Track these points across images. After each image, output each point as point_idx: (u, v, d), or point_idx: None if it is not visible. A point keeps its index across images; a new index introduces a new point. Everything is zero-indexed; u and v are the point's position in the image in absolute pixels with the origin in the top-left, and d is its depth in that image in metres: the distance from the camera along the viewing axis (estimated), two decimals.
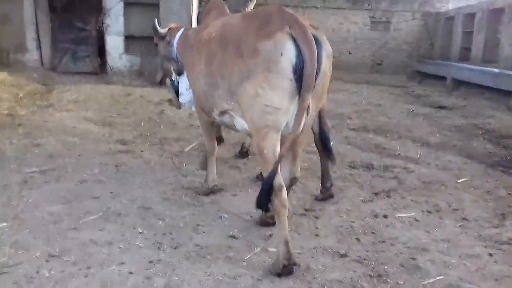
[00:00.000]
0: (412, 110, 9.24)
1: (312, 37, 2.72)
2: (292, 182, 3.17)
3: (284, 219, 2.83)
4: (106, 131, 6.15)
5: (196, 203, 3.88)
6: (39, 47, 11.21)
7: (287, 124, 2.85)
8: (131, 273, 2.72)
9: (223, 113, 3.28)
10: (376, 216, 3.79)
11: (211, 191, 4.09)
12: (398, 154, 5.84)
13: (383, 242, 3.33)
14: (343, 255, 3.09)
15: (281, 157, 2.76)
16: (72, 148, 5.17)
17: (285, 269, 2.79)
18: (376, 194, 4.32)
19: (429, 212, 3.93)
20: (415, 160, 5.60)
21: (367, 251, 3.18)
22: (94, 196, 3.84)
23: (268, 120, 2.77)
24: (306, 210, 3.84)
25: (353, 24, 16.92)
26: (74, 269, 2.74)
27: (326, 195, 4.13)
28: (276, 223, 2.91)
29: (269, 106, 2.73)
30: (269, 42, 2.71)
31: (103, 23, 11.10)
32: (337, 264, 2.98)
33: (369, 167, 5.19)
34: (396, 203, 4.10)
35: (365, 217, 3.75)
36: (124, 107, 7.73)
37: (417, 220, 3.74)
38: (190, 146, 5.69)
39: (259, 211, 3.48)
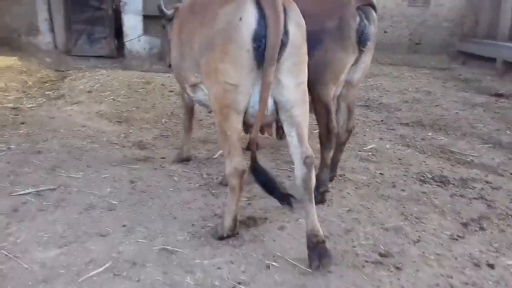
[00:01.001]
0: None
1: (280, 3, 2.46)
2: (307, 164, 2.74)
3: (238, 198, 2.89)
4: (122, 130, 5.25)
5: (233, 242, 2.95)
6: (52, 28, 10.34)
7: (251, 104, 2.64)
8: None
9: (194, 87, 3.05)
10: (478, 265, 2.79)
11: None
12: (471, 160, 4.79)
13: None
14: None
15: (254, 140, 2.66)
16: (80, 156, 4.28)
17: (227, 238, 2.92)
18: (465, 225, 3.32)
19: None
20: (494, 169, 4.54)
21: None
22: (101, 232, 2.93)
23: (228, 99, 2.58)
24: (381, 255, 2.86)
25: None
26: None
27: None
28: (229, 197, 2.88)
29: (228, 83, 2.54)
30: (229, 5, 2.50)
31: (120, 1, 10.17)
32: None
33: (442, 181, 4.16)
34: (496, 241, 3.10)
35: (464, 268, 2.75)
36: (142, 99, 6.81)
37: None
38: (220, 151, 4.74)
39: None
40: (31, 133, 4.87)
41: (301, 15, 2.66)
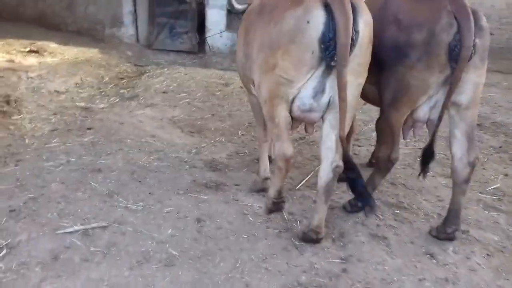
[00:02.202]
0: None
1: (349, 3, 2.46)
2: (334, 172, 2.82)
3: (284, 177, 2.92)
4: (194, 144, 4.62)
5: None
6: (135, 21, 10.06)
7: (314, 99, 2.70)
8: None
9: None
10: None
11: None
12: None
13: None
14: None
15: (343, 138, 2.66)
16: (143, 178, 3.68)
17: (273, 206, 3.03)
18: None
19: None
20: None
21: None
22: None
23: (280, 91, 2.68)
24: None
25: None
26: None
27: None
28: (276, 174, 2.94)
29: (283, 78, 2.63)
30: (297, 8, 2.53)
31: None
32: None
33: None
34: None
35: None
36: (219, 104, 6.16)
37: None
38: (305, 180, 3.95)
39: None
40: (96, 142, 4.37)
41: (369, 14, 2.66)
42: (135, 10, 9.98)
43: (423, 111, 3.04)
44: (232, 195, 3.55)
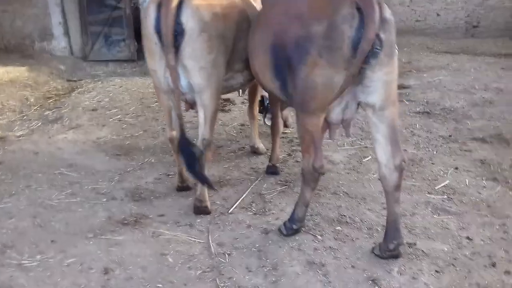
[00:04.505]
0: None
1: (171, 2, 2.90)
2: (203, 144, 3.28)
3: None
4: (118, 169, 4.14)
5: None
6: (67, 32, 9.40)
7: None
8: None
9: None
10: None
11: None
12: None
13: None
14: None
15: (179, 116, 3.14)
16: (47, 222, 3.17)
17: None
18: None
19: None
20: None
21: None
22: None
23: (154, 81, 3.33)
24: None
25: None
26: None
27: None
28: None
29: (151, 69, 3.22)
30: (145, 8, 3.11)
31: None
32: None
33: None
34: None
35: None
36: (154, 117, 5.68)
37: None
38: (239, 200, 3.55)
39: None
40: (2, 180, 3.83)
41: (200, 8, 3.03)
42: (66, 20, 9.33)
43: (335, 113, 2.80)
44: (152, 231, 3.10)
